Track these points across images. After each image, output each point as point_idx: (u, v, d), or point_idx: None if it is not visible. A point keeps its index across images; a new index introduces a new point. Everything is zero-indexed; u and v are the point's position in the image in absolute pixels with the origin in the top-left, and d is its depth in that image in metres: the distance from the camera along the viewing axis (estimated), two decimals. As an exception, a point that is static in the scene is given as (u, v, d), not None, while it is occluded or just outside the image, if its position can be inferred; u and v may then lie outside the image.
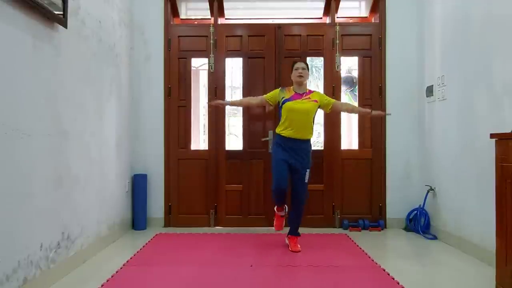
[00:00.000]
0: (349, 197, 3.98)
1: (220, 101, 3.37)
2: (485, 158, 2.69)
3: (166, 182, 3.97)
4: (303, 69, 3.12)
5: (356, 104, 4.31)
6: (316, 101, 3.10)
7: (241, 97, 3.89)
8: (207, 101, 3.27)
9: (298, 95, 3.10)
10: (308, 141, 3.11)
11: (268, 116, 3.92)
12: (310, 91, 3.17)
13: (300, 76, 3.09)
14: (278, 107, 3.17)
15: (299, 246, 3.08)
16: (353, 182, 3.99)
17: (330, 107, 3.14)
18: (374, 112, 3.24)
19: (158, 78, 3.96)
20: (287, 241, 3.18)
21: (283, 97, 3.10)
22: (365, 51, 4.01)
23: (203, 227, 3.92)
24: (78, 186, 2.69)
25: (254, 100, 3.30)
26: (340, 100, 3.91)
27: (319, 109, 3.17)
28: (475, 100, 2.92)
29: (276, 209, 3.22)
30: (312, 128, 3.13)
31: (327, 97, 3.20)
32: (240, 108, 4.13)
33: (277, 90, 3.19)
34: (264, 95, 3.22)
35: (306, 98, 3.09)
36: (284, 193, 3.10)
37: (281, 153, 3.05)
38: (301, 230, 3.79)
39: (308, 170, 3.09)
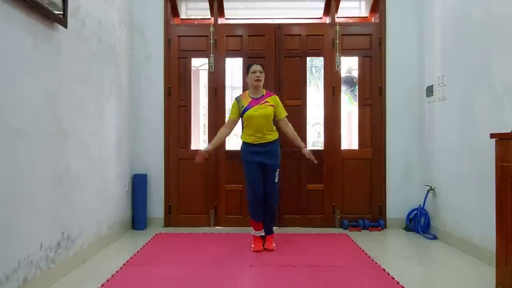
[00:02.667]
0: (349, 197, 3.98)
1: (202, 152, 3.10)
2: (485, 158, 2.69)
3: (166, 182, 3.97)
4: (260, 72, 3.09)
5: (356, 103, 4.31)
6: (273, 106, 3.09)
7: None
8: (196, 160, 3.10)
9: (255, 101, 3.08)
10: (273, 142, 3.11)
11: (268, 116, 3.92)
12: (268, 94, 3.15)
13: (258, 80, 3.07)
14: (240, 116, 3.15)
15: (274, 244, 3.10)
16: (353, 182, 3.99)
17: (278, 119, 3.13)
18: (305, 150, 3.17)
19: (158, 78, 3.96)
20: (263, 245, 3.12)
21: (242, 106, 3.09)
22: (365, 51, 4.01)
23: (203, 227, 3.92)
24: (78, 186, 2.69)
25: (227, 128, 3.17)
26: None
27: None
28: (475, 100, 2.92)
29: (254, 227, 3.13)
30: (273, 129, 3.13)
31: (281, 108, 3.15)
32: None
33: (235, 102, 3.16)
34: (229, 117, 3.18)
35: (263, 103, 3.08)
36: (262, 202, 3.08)
37: (251, 158, 3.07)
38: (301, 230, 3.83)
39: (277, 171, 3.11)
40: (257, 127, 3.05)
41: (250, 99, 3.10)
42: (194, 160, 3.12)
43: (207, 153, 3.13)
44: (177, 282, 2.37)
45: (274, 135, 3.13)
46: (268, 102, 3.09)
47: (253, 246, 3.10)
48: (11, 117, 1.96)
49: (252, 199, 3.09)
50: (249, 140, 3.09)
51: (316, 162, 3.16)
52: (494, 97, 2.68)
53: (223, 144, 3.96)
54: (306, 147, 3.25)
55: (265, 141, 3.08)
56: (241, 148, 3.19)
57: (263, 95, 3.13)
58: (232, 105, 3.17)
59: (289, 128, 3.18)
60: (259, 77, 3.07)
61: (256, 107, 3.06)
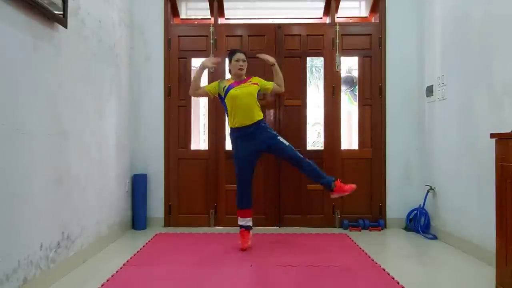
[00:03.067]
0: (349, 197, 3.93)
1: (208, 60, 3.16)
2: (485, 158, 2.69)
3: (166, 182, 3.97)
4: (244, 61, 3.11)
5: (356, 103, 4.31)
6: (256, 83, 3.13)
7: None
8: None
9: (238, 82, 3.11)
10: (261, 121, 3.09)
11: (268, 116, 3.92)
12: (248, 77, 3.19)
13: (241, 69, 3.10)
14: (221, 100, 3.15)
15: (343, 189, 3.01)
16: (353, 182, 3.94)
17: (270, 89, 3.21)
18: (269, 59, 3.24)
19: (158, 78, 3.97)
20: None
21: (224, 87, 3.09)
22: (365, 51, 4.01)
23: (203, 227, 3.92)
24: (78, 186, 2.69)
25: (202, 88, 3.19)
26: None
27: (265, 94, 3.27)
28: (475, 100, 2.92)
29: (241, 215, 3.09)
30: (259, 109, 3.11)
31: (265, 81, 3.24)
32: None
33: (216, 82, 3.18)
34: (205, 87, 3.21)
35: (246, 83, 3.11)
36: (250, 191, 3.07)
37: (241, 147, 3.05)
38: (301, 230, 3.82)
39: (280, 137, 3.06)
40: (244, 107, 3.02)
41: (232, 81, 3.13)
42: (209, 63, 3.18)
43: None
44: (177, 282, 2.38)
45: (260, 115, 3.11)
46: (251, 81, 3.12)
47: (240, 242, 3.07)
48: (11, 117, 1.96)
49: (239, 189, 3.07)
50: (237, 124, 3.05)
51: (272, 60, 3.21)
52: (494, 97, 2.68)
53: (223, 144, 3.97)
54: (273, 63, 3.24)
55: (251, 122, 3.04)
56: (230, 137, 3.16)
57: (244, 79, 3.17)
58: (213, 83, 3.21)
59: (278, 82, 3.24)
60: (242, 66, 3.09)
61: (238, 86, 3.07)
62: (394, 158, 3.94)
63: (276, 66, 3.27)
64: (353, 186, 3.04)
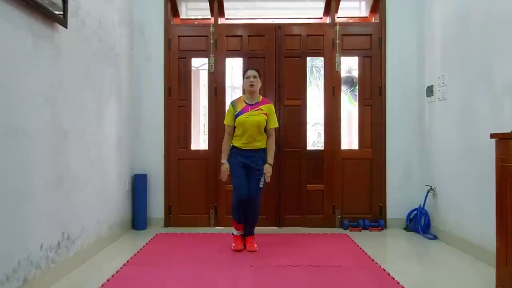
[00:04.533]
0: (349, 197, 3.98)
1: (224, 170, 3.12)
2: (485, 158, 2.69)
3: (166, 182, 3.97)
4: (254, 77, 3.08)
5: (356, 103, 4.31)
6: (266, 114, 3.08)
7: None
8: (220, 178, 3.23)
9: (249, 107, 3.07)
10: (262, 150, 3.10)
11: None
12: (263, 101, 3.13)
13: (252, 85, 3.06)
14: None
15: (255, 245, 3.09)
16: (353, 182, 3.99)
17: (269, 130, 3.11)
18: (265, 166, 3.09)
19: (158, 78, 3.97)
20: (244, 245, 3.14)
21: (236, 111, 3.09)
22: (365, 51, 4.01)
23: (203, 227, 3.92)
24: (78, 186, 2.69)
25: (230, 135, 3.14)
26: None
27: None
28: (475, 100, 2.92)
29: (235, 226, 3.17)
30: (264, 138, 3.10)
31: (274, 119, 3.13)
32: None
33: (230, 108, 3.15)
34: (227, 123, 3.14)
35: (257, 110, 3.06)
36: (244, 205, 3.06)
37: (237, 161, 3.06)
38: (301, 230, 3.82)
39: (263, 176, 3.06)
40: (247, 133, 3.04)
41: (244, 104, 3.09)
42: (219, 179, 3.21)
43: (228, 167, 3.11)
44: (177, 282, 2.38)
45: (263, 143, 3.10)
46: (262, 110, 3.08)
47: (233, 245, 3.10)
48: (11, 117, 1.96)
49: (235, 201, 3.08)
50: (238, 144, 3.08)
51: (268, 180, 3.08)
52: (494, 97, 2.68)
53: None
54: (271, 165, 3.10)
55: (252, 148, 3.06)
56: (230, 150, 3.17)
57: (258, 102, 3.11)
58: (228, 111, 3.17)
59: (271, 140, 3.13)
60: (252, 82, 3.06)
61: (248, 113, 3.05)
62: (394, 158, 3.94)
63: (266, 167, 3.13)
64: (254, 249, 3.04)
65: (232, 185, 3.14)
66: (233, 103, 3.16)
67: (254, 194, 3.04)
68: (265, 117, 3.07)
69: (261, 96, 3.18)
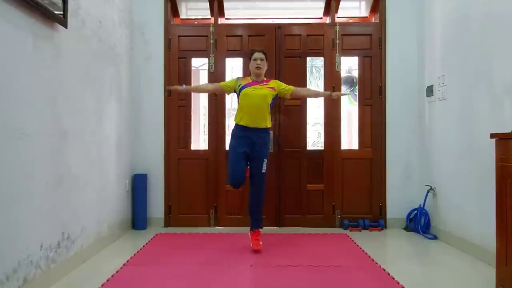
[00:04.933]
0: (349, 197, 3.98)
1: (176, 86, 3.37)
2: (485, 158, 2.69)
3: (166, 182, 3.97)
4: (262, 60, 3.10)
5: (356, 103, 4.32)
6: (273, 88, 3.10)
7: None
8: (168, 87, 3.41)
9: (255, 82, 3.11)
10: (265, 130, 3.08)
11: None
12: (268, 80, 3.19)
13: (258, 68, 3.09)
14: (237, 95, 3.17)
15: (261, 243, 3.01)
16: (353, 182, 3.99)
17: (290, 94, 3.16)
18: (334, 93, 3.29)
19: (158, 78, 3.96)
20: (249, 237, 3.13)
21: (239, 85, 3.10)
22: (365, 51, 4.01)
23: (203, 227, 3.92)
24: (78, 186, 2.69)
25: (210, 86, 3.31)
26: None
27: (280, 98, 3.26)
28: (475, 100, 2.92)
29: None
30: (268, 116, 3.08)
31: (285, 85, 3.20)
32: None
33: (234, 79, 3.21)
34: (221, 83, 3.25)
35: (263, 85, 3.09)
36: (242, 183, 3.06)
37: (237, 144, 3.05)
38: (301, 230, 3.82)
39: (265, 160, 3.05)
40: (253, 108, 3.01)
41: (250, 81, 3.13)
42: (167, 87, 3.36)
43: (178, 90, 3.31)
44: (177, 282, 2.38)
45: (268, 123, 3.09)
46: (268, 85, 3.10)
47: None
48: (11, 117, 1.96)
49: (231, 183, 3.08)
50: (242, 122, 3.05)
51: (349, 93, 3.27)
52: (494, 97, 2.68)
53: (223, 144, 3.96)
54: (330, 92, 3.31)
55: (257, 126, 3.03)
56: (231, 132, 3.15)
57: (264, 80, 3.16)
58: (231, 80, 3.25)
59: (305, 90, 3.29)
60: (259, 65, 3.08)
61: (254, 86, 3.07)
62: (394, 158, 3.94)
63: (328, 95, 3.35)
64: (259, 248, 2.98)
65: (228, 166, 3.14)
66: (239, 78, 3.21)
67: (257, 180, 3.03)
68: (272, 91, 3.09)
69: (265, 77, 3.21)
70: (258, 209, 3.13)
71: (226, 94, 3.45)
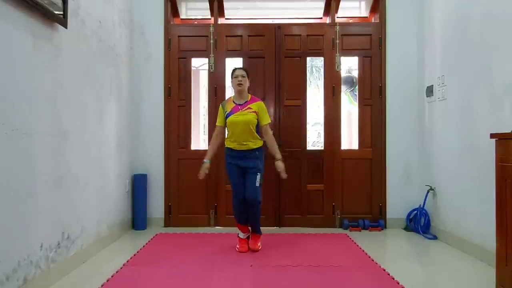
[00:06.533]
0: (349, 197, 3.98)
1: (204, 169, 3.09)
2: (485, 158, 2.69)
3: (166, 182, 3.97)
4: (243, 77, 3.06)
5: (356, 103, 4.31)
6: (255, 112, 3.05)
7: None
8: (199, 177, 3.12)
9: (238, 107, 3.06)
10: (256, 150, 3.06)
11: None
12: (253, 100, 3.11)
13: (240, 85, 3.05)
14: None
15: (259, 244, 3.10)
16: (353, 182, 3.99)
17: (262, 126, 3.08)
18: (278, 163, 3.06)
19: (158, 78, 3.97)
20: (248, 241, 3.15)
21: (225, 112, 3.09)
22: (365, 51, 4.01)
23: (203, 227, 3.92)
24: (78, 186, 2.69)
25: (218, 137, 3.16)
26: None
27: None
28: (475, 100, 2.92)
29: (240, 229, 3.16)
30: (256, 138, 3.06)
31: (264, 114, 3.09)
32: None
33: (220, 108, 3.15)
34: (217, 123, 3.17)
35: (246, 109, 3.04)
36: (243, 205, 3.06)
37: (232, 161, 3.06)
38: (301, 230, 3.82)
39: (259, 174, 3.03)
40: (239, 133, 3.01)
41: (234, 105, 3.08)
42: (198, 176, 3.09)
43: (208, 167, 3.10)
44: (177, 282, 2.38)
45: (257, 143, 3.06)
46: (251, 108, 3.05)
47: (238, 246, 3.09)
48: (11, 117, 1.96)
49: (234, 202, 3.11)
50: (231, 146, 3.07)
51: (285, 177, 3.08)
52: (494, 97, 2.68)
53: (223, 144, 3.96)
54: (281, 160, 3.07)
55: (246, 149, 3.03)
56: (224, 152, 3.17)
57: (247, 101, 3.09)
58: (219, 111, 3.17)
59: (269, 136, 3.11)
60: (241, 81, 3.05)
61: (238, 113, 3.03)
62: (394, 158, 3.94)
63: (276, 158, 3.10)
64: (256, 248, 3.06)
65: (231, 186, 3.15)
66: (222, 104, 3.17)
67: (252, 193, 3.00)
68: (255, 115, 3.05)
69: (249, 95, 3.16)
70: (255, 221, 3.15)
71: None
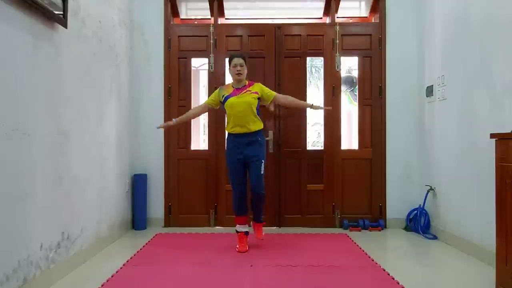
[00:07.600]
0: (349, 197, 3.98)
1: (168, 122, 3.25)
2: (485, 158, 2.69)
3: (166, 182, 3.97)
4: (241, 66, 3.08)
5: (356, 103, 4.31)
6: (256, 92, 3.08)
7: None
8: (157, 127, 3.33)
9: (237, 90, 3.10)
10: (257, 133, 3.06)
11: (268, 116, 3.92)
12: (250, 83, 3.15)
13: (239, 74, 3.07)
14: (222, 107, 3.18)
15: (262, 233, 3.19)
16: (353, 182, 3.99)
17: (271, 100, 3.15)
18: (315, 105, 3.23)
19: (158, 78, 3.97)
20: (252, 228, 3.25)
21: (223, 95, 3.10)
22: (365, 51, 4.01)
23: (203, 227, 3.92)
24: (78, 186, 2.69)
25: (197, 108, 3.28)
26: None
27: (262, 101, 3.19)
28: (475, 100, 2.92)
29: (238, 221, 3.15)
30: (257, 119, 3.07)
31: (268, 90, 3.18)
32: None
33: (216, 91, 3.20)
34: (206, 101, 3.26)
35: (245, 92, 3.08)
36: (245, 198, 3.09)
37: (233, 153, 3.07)
38: (301, 230, 3.82)
39: (263, 162, 3.05)
40: (239, 115, 3.01)
41: (233, 89, 3.12)
42: (158, 126, 3.31)
43: (170, 125, 3.25)
44: (177, 282, 2.38)
45: (257, 125, 3.07)
46: (250, 90, 3.08)
47: (237, 246, 3.07)
48: (11, 117, 1.96)
49: (234, 196, 3.12)
50: (233, 130, 3.06)
51: (330, 107, 3.43)
52: (494, 97, 2.68)
53: (223, 144, 3.96)
54: (312, 104, 3.24)
55: (248, 131, 3.03)
56: (226, 142, 3.19)
57: (245, 85, 3.13)
58: (213, 93, 3.23)
59: (286, 97, 3.23)
60: (239, 71, 3.06)
61: (238, 95, 3.06)
62: (394, 158, 3.94)
63: (309, 105, 3.27)
64: (261, 237, 3.19)
65: (230, 179, 3.17)
66: (221, 88, 3.20)
67: (258, 183, 3.02)
68: (256, 95, 3.07)
69: (247, 81, 3.18)
70: (259, 210, 3.18)
71: (216, 109, 3.33)
